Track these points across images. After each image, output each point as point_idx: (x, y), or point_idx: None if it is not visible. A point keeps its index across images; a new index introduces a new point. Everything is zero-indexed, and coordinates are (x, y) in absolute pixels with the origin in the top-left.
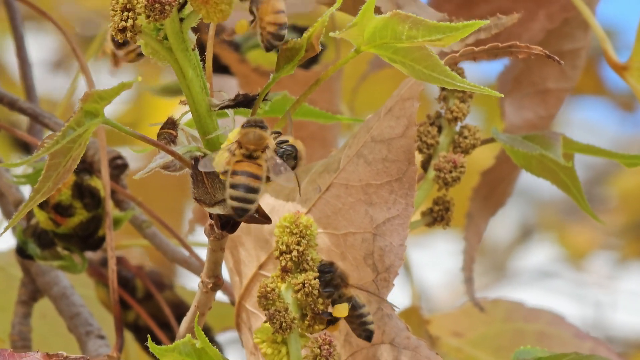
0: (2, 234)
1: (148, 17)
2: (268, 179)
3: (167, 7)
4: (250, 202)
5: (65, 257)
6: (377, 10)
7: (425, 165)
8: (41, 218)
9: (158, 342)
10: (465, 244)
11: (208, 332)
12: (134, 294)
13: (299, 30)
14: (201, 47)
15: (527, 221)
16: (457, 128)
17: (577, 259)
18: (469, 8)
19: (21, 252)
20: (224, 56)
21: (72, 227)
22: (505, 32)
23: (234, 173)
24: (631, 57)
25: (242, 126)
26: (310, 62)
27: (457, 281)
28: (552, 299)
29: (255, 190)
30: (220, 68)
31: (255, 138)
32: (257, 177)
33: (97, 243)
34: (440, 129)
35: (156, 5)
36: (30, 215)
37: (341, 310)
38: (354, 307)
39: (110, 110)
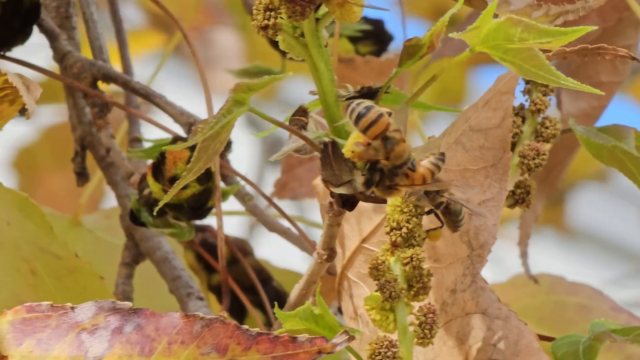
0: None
1: (289, 17)
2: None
3: (307, 9)
4: None
5: (175, 225)
6: None
7: None
8: (155, 189)
9: (241, 304)
10: (521, 221)
11: (285, 296)
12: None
13: (371, 22)
14: None
15: None
16: (539, 119)
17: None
18: None
19: (134, 219)
20: None
21: (184, 198)
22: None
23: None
24: None
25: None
26: (381, 50)
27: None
28: None
29: None
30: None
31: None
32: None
33: (204, 213)
34: (524, 120)
35: (297, 8)
36: (142, 186)
37: (435, 236)
38: (449, 212)
39: None
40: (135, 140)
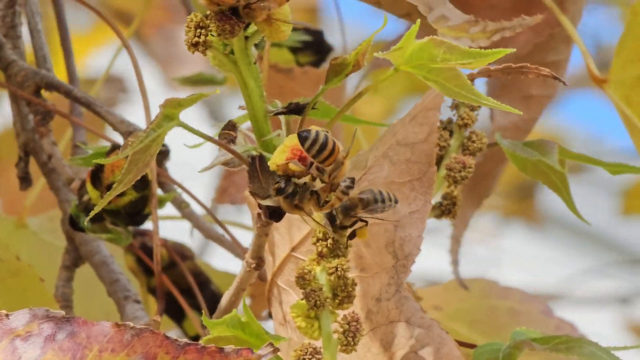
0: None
1: (219, 35)
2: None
3: (236, 28)
4: None
5: (112, 231)
6: (414, 8)
7: (437, 165)
8: (93, 196)
9: (178, 305)
10: (453, 229)
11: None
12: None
13: (311, 32)
14: None
15: None
16: (466, 133)
17: None
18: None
19: (73, 224)
20: None
21: (121, 205)
22: (495, 44)
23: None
24: (610, 72)
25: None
26: (320, 60)
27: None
28: (437, 255)
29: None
30: None
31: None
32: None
33: (141, 219)
34: (451, 134)
35: (226, 26)
36: (82, 192)
37: (363, 233)
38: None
39: None
40: (78, 146)
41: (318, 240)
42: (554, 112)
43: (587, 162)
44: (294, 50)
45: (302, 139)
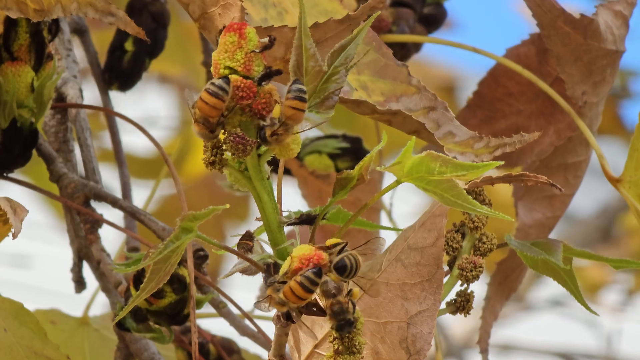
0: (115, 321)
1: (232, 154)
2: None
3: (248, 147)
4: None
5: (156, 330)
6: (422, 126)
7: (451, 265)
8: None
9: None
10: (482, 321)
11: None
12: (208, 357)
13: (349, 139)
14: (275, 162)
15: None
16: (477, 235)
17: (590, 292)
18: (490, 123)
19: (120, 325)
20: (287, 162)
21: (162, 306)
22: (521, 148)
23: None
24: (624, 172)
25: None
26: None
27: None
28: (567, 329)
29: None
30: (284, 171)
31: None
32: None
33: (182, 319)
34: (463, 236)
35: (239, 146)
36: (128, 295)
37: (355, 294)
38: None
39: (158, 135)
40: (132, 250)
41: (335, 338)
42: None
43: (590, 259)
44: (333, 156)
45: (341, 270)
